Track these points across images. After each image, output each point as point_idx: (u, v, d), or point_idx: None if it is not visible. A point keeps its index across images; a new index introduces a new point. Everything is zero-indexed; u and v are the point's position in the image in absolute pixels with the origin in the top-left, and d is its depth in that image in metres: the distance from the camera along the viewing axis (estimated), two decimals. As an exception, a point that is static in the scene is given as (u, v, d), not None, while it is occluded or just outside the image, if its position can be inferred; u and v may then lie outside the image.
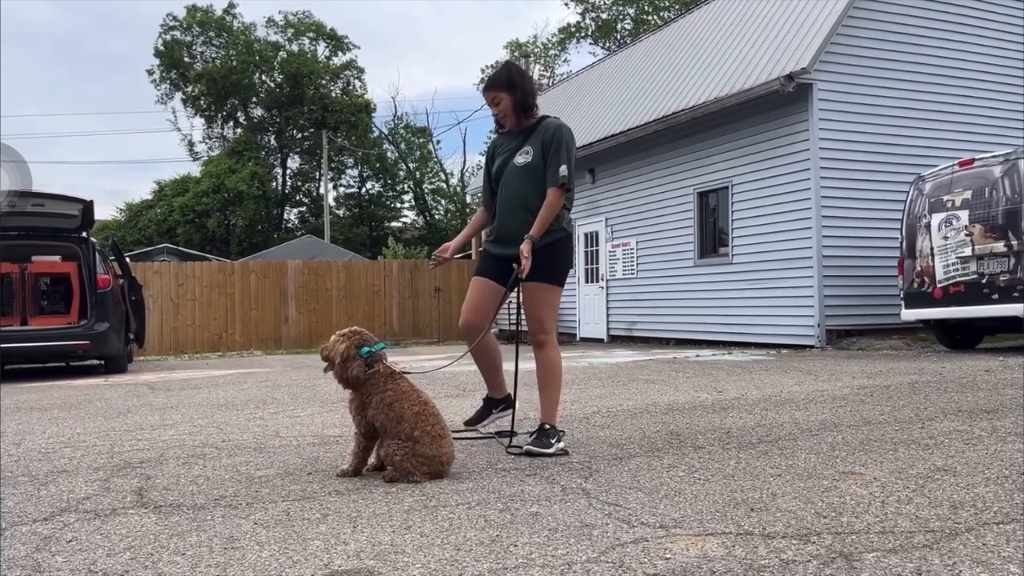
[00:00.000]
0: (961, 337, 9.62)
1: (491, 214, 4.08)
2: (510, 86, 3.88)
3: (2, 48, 63.31)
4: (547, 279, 3.85)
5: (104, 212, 45.72)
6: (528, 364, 4.01)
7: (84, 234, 10.94)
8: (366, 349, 3.41)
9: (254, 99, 45.76)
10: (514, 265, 3.81)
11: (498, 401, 4.19)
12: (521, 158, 3.90)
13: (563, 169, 3.78)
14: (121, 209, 44.40)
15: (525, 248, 3.72)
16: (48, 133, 66.72)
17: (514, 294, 4.01)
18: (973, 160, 8.96)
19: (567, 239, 3.97)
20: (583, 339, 16.12)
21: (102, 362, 11.11)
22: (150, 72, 45.33)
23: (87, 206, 10.52)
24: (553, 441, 3.73)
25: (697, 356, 10.39)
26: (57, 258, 11.46)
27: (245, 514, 2.82)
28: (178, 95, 45.74)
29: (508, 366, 4.17)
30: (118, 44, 69.20)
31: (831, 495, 2.80)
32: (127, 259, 12.60)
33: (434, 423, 3.30)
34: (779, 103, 11.18)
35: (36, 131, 65.96)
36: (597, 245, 15.73)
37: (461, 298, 22.97)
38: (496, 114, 3.95)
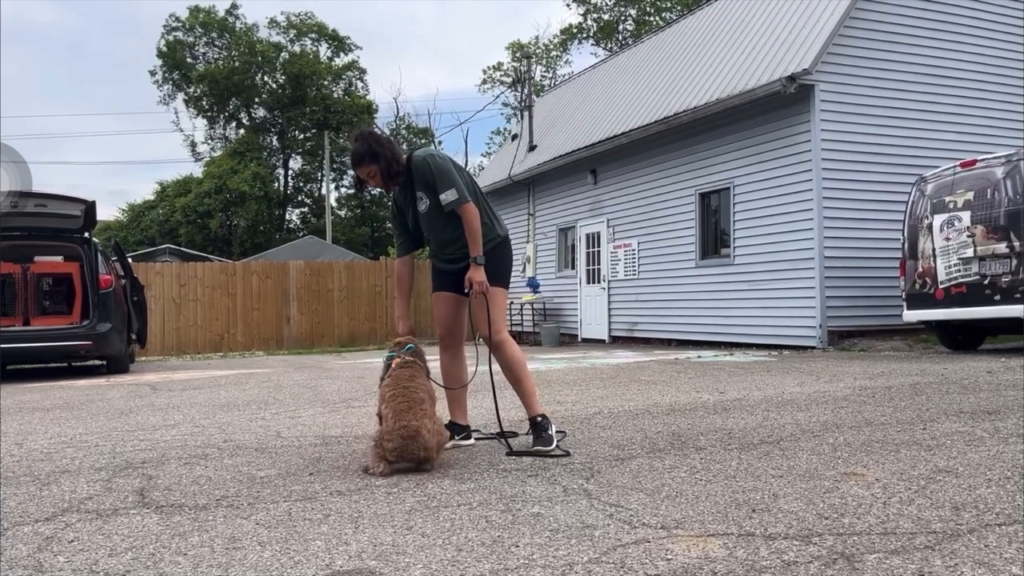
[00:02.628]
0: (963, 338, 9.60)
1: (411, 260, 4.26)
2: (375, 157, 3.89)
3: (4, 48, 63.41)
4: (494, 283, 3.98)
5: (106, 212, 45.79)
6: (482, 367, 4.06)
7: (86, 234, 10.95)
8: (389, 353, 3.89)
9: (256, 100, 45.80)
10: (466, 291, 3.97)
11: (460, 428, 4.15)
12: (422, 205, 4.01)
13: (452, 192, 3.87)
14: (123, 209, 44.47)
15: (477, 275, 3.87)
16: (51, 133, 66.84)
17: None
18: (975, 161, 8.95)
19: (504, 243, 4.11)
20: (584, 340, 16.12)
21: (104, 362, 11.13)
22: (152, 73, 45.43)
23: (89, 206, 10.53)
24: (551, 433, 3.85)
25: (699, 357, 10.38)
26: (59, 258, 11.47)
27: (247, 514, 2.83)
28: (180, 96, 45.81)
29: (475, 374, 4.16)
30: (121, 45, 69.30)
31: (833, 496, 2.80)
32: (129, 259, 12.61)
33: (402, 401, 3.45)
34: (781, 104, 11.18)
35: (39, 131, 66.06)
36: (599, 246, 15.73)
37: (463, 299, 22.90)
38: (375, 185, 4.03)
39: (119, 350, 10.82)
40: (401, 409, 3.43)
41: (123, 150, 70.53)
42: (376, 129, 4.25)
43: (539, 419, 3.88)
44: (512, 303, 17.94)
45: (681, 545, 2.29)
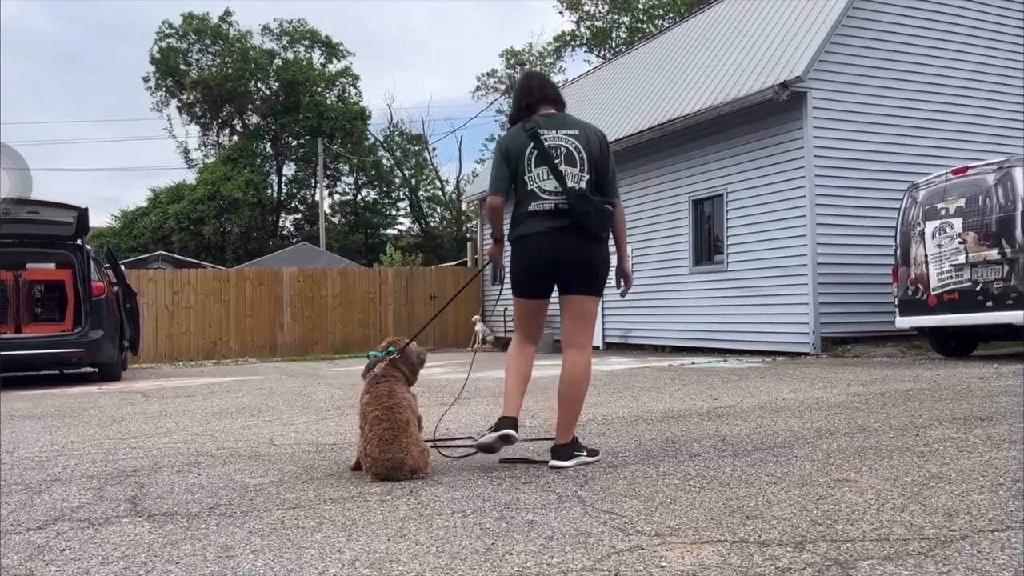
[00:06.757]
0: (955, 344, 9.63)
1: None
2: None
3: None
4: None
5: (99, 219, 45.58)
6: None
7: (79, 241, 10.92)
8: (373, 353, 3.77)
9: (249, 106, 45.75)
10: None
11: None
12: None
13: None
14: (116, 216, 44.30)
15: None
16: (43, 140, 66.65)
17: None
18: (967, 168, 9.00)
19: (511, 245, 3.86)
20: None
21: (96, 370, 11.09)
22: (146, 79, 45.29)
23: (82, 213, 10.50)
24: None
25: (692, 363, 10.39)
26: (52, 265, 11.44)
27: (239, 522, 2.81)
28: (174, 102, 45.70)
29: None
30: (114, 51, 69.22)
31: (826, 502, 2.80)
32: (122, 266, 12.58)
33: (388, 427, 3.40)
34: (774, 111, 11.22)
35: (31, 138, 65.90)
36: (592, 252, 15.70)
37: (456, 305, 22.61)
38: None
39: (111, 357, 10.77)
40: (387, 439, 3.39)
41: (116, 156, 70.46)
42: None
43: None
44: (505, 309, 17.93)
45: (675, 552, 2.29)
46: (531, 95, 3.84)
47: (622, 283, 3.97)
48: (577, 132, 3.73)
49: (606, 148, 3.76)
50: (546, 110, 3.81)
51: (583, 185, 3.66)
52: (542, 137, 3.69)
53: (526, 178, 3.70)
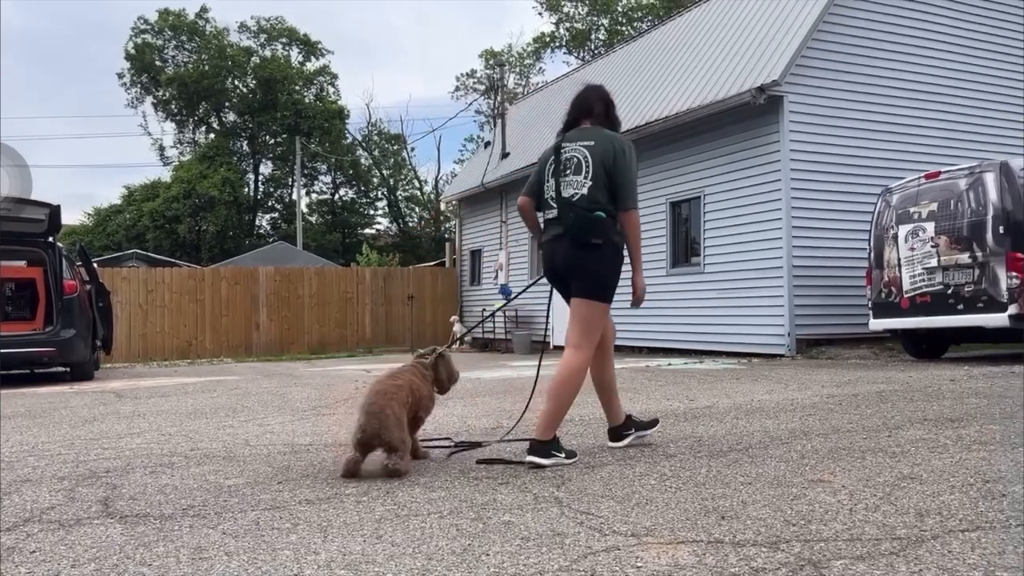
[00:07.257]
0: (927, 347, 9.76)
1: None
2: None
3: (-32, 49, 62.19)
4: None
5: (72, 217, 44.94)
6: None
7: (51, 239, 10.77)
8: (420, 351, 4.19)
9: (226, 104, 45.37)
10: None
11: (619, 427, 4.16)
12: None
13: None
14: (89, 214, 43.75)
15: None
16: (15, 136, 65.64)
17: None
18: (939, 173, 9.12)
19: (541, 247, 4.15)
20: (556, 347, 16.13)
21: (68, 369, 10.93)
22: (120, 75, 44.78)
23: (54, 210, 10.36)
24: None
25: (669, 364, 10.44)
26: (23, 263, 11.27)
27: (213, 524, 2.79)
28: (149, 99, 45.22)
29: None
30: (88, 47, 68.33)
31: (800, 503, 2.83)
32: (95, 264, 12.42)
33: (381, 388, 3.67)
34: (750, 114, 11.31)
35: (3, 134, 64.88)
36: (570, 253, 15.73)
37: (434, 306, 22.51)
38: None
39: (83, 357, 10.63)
40: (376, 391, 3.64)
41: (89, 153, 69.53)
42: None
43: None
44: (484, 310, 17.93)
45: (651, 552, 2.30)
46: (572, 112, 4.14)
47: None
48: (592, 143, 3.89)
49: (621, 157, 3.84)
50: (585, 123, 4.05)
51: (584, 192, 3.83)
52: (562, 150, 3.94)
53: (544, 187, 4.00)
